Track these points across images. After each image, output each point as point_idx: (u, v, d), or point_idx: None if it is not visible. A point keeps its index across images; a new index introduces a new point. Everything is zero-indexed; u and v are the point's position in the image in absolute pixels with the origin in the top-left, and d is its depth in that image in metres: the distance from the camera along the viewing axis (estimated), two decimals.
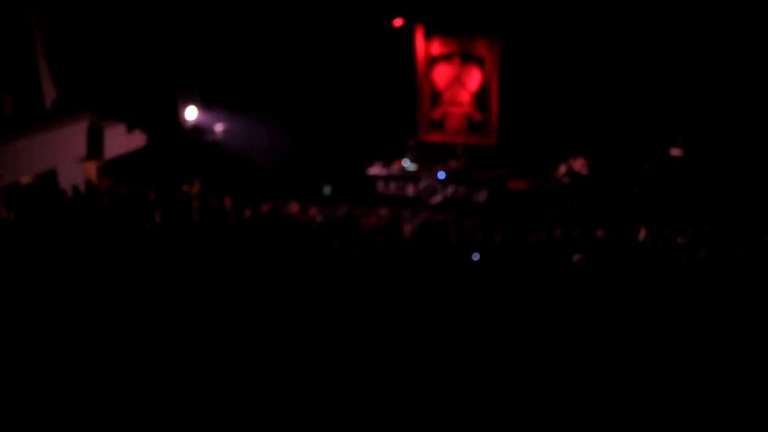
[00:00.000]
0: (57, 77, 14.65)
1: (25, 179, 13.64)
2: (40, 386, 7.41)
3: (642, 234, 10.41)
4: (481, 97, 15.53)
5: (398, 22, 15.22)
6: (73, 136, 14.04)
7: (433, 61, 15.68)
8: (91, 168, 15.40)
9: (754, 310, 7.66)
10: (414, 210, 14.71)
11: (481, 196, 14.53)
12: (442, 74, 15.71)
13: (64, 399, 7.20)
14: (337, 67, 15.93)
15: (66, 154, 13.90)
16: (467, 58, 15.38)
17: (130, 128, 15.52)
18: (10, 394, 7.25)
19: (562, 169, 13.75)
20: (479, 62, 15.30)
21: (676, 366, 7.12)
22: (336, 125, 16.25)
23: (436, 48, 15.56)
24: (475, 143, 15.73)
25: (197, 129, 16.65)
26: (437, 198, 14.93)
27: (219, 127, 16.45)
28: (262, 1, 15.47)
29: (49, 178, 13.64)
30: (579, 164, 13.81)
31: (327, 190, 15.68)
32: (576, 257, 9.43)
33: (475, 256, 9.37)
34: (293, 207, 12.11)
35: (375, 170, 15.54)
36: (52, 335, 8.29)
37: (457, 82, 15.61)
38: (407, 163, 15.37)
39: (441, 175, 14.88)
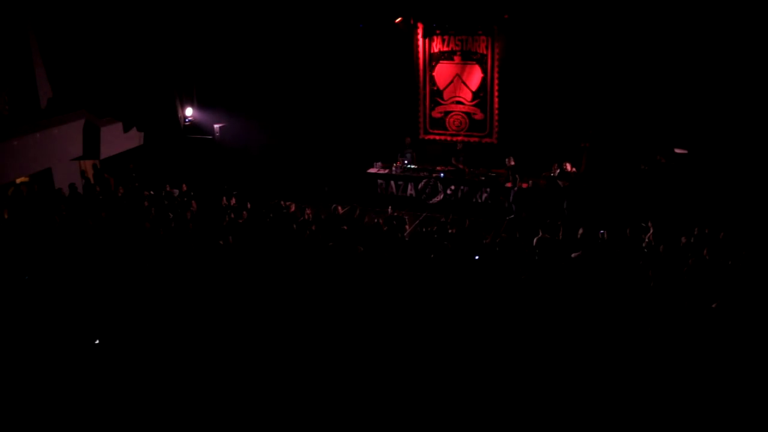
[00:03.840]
0: (53, 76, 14.54)
1: (20, 178, 13.56)
2: (36, 384, 7.35)
3: (649, 233, 10.30)
4: (482, 95, 15.41)
5: (399, 20, 15.14)
6: (69, 135, 13.93)
7: (433, 59, 15.57)
8: (87, 167, 15.34)
9: (758, 310, 7.53)
10: (414, 210, 14.61)
11: (482, 195, 14.40)
12: (442, 72, 15.60)
13: (60, 397, 7.13)
14: (337, 67, 15.85)
15: (62, 154, 13.80)
16: (468, 56, 15.26)
17: (127, 127, 15.42)
18: (6, 392, 7.19)
19: (555, 170, 13.71)
20: (480, 60, 15.18)
21: (678, 366, 7.02)
22: (336, 125, 16.16)
23: (437, 46, 15.46)
24: (475, 142, 15.63)
25: (195, 128, 16.56)
26: (437, 198, 14.81)
27: (217, 127, 16.35)
28: (263, 2, 15.37)
29: (44, 177, 13.54)
30: (570, 166, 13.76)
31: (327, 190, 15.60)
32: (574, 254, 9.33)
33: (476, 256, 9.26)
34: (292, 207, 12.03)
35: (375, 170, 15.43)
36: (49, 333, 8.23)
37: (458, 81, 15.49)
38: (407, 162, 15.25)
39: (441, 174, 14.76)
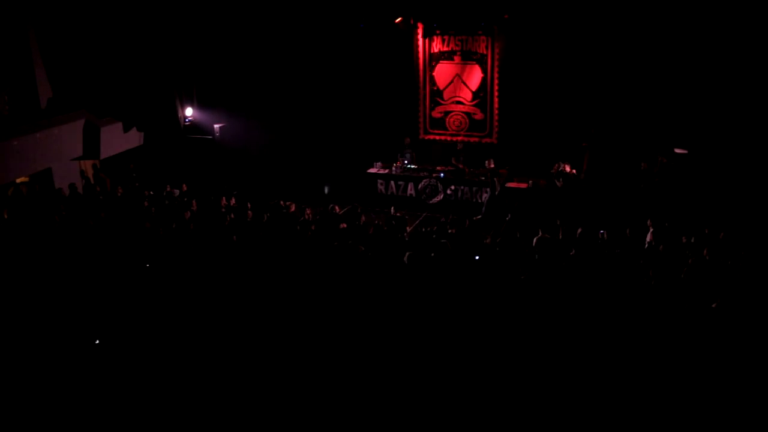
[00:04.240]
0: (53, 76, 14.53)
1: (20, 178, 13.56)
2: (36, 384, 7.35)
3: (649, 233, 10.31)
4: (482, 95, 15.41)
5: (399, 20, 15.15)
6: (69, 135, 13.93)
7: (433, 59, 15.57)
8: (87, 167, 15.34)
9: (758, 310, 7.53)
10: (414, 210, 14.61)
11: (482, 195, 14.40)
12: (442, 72, 15.60)
13: (60, 397, 7.13)
14: (337, 67, 15.84)
15: (62, 154, 13.79)
16: (468, 56, 15.26)
17: (127, 127, 15.42)
18: (7, 392, 7.19)
19: (554, 171, 13.73)
20: (480, 60, 15.19)
21: (678, 366, 7.02)
22: (336, 125, 16.16)
23: (437, 46, 15.46)
24: (475, 142, 15.62)
25: (195, 128, 16.56)
26: (437, 198, 14.81)
27: (217, 127, 16.36)
28: (263, 2, 15.37)
29: (44, 177, 13.54)
30: (569, 167, 13.77)
31: (327, 190, 15.61)
32: (572, 252, 9.33)
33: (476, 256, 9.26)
34: (292, 207, 12.04)
35: (375, 170, 15.43)
36: (49, 333, 8.23)
37: (458, 81, 15.49)
38: (407, 162, 15.26)
39: (441, 174, 14.77)
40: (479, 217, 13.65)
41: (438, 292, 8.39)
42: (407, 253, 9.06)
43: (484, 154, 15.23)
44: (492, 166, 14.08)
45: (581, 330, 7.56)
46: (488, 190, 14.27)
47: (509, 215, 13.17)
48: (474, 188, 14.46)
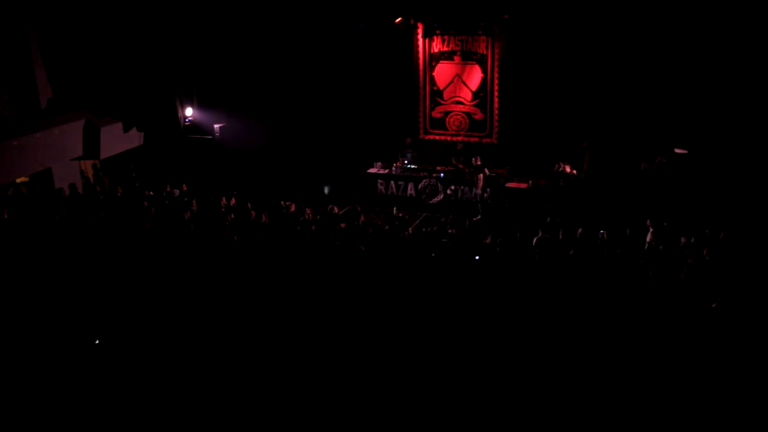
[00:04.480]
0: (53, 76, 14.54)
1: (20, 178, 13.56)
2: (36, 384, 7.35)
3: (649, 233, 10.30)
4: (482, 95, 15.41)
5: (399, 20, 15.15)
6: (69, 136, 13.93)
7: (433, 59, 15.57)
8: (87, 167, 15.33)
9: (758, 310, 7.53)
10: (414, 210, 14.61)
11: (482, 195, 14.39)
12: (442, 72, 15.60)
13: (60, 397, 7.13)
14: (337, 67, 15.85)
15: (62, 154, 13.79)
16: (468, 56, 15.26)
17: (127, 127, 15.42)
18: (7, 392, 7.20)
19: (555, 171, 13.72)
20: (480, 60, 15.18)
21: (678, 366, 7.02)
22: (336, 125, 16.16)
23: (437, 46, 15.46)
24: (475, 142, 15.62)
25: (195, 128, 16.56)
26: (437, 198, 14.80)
27: (217, 127, 16.35)
28: (263, 2, 15.38)
29: (44, 177, 13.54)
30: (569, 167, 13.77)
31: (327, 190, 15.60)
32: (572, 252, 9.33)
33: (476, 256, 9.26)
34: (292, 207, 12.03)
35: (375, 170, 15.43)
36: (49, 333, 8.23)
37: (458, 81, 15.49)
38: (407, 162, 15.25)
39: (441, 174, 14.77)
40: (479, 217, 13.66)
41: (438, 292, 8.39)
42: (407, 254, 9.07)
43: (484, 154, 15.24)
44: (479, 163, 14.05)
45: (581, 330, 7.57)
46: (488, 190, 14.28)
47: (497, 206, 13.16)
48: (474, 188, 14.45)
